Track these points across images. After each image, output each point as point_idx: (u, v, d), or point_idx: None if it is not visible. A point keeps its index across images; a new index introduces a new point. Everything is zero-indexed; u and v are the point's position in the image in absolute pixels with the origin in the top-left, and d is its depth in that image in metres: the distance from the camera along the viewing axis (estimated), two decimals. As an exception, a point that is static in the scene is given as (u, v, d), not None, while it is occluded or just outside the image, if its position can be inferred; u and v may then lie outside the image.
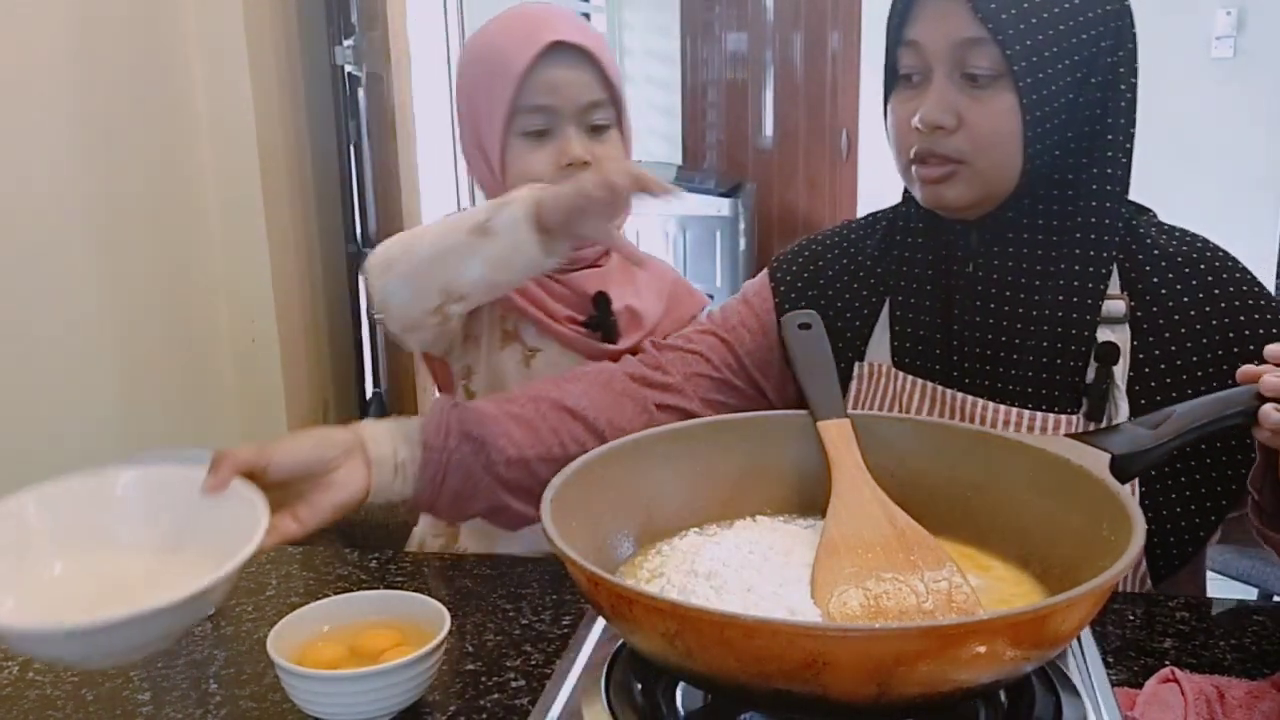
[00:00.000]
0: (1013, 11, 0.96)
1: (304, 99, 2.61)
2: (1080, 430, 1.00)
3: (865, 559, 0.74)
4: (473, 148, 1.18)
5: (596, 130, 1.13)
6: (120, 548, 0.81)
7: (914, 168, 1.04)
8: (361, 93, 2.66)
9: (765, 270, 1.22)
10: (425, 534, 1.32)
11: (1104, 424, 1.01)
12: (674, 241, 4.59)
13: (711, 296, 1.72)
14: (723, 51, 4.99)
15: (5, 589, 0.76)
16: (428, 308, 1.05)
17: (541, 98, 1.10)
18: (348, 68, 2.70)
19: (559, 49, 1.09)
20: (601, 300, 1.20)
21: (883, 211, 1.18)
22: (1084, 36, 0.99)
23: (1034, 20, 0.97)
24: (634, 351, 1.18)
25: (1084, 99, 1.00)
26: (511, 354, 1.21)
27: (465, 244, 1.00)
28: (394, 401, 2.82)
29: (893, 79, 1.06)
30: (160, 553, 0.81)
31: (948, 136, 1.00)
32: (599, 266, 1.23)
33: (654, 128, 5.27)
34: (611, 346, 1.20)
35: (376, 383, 2.92)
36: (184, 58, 2.30)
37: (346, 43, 2.67)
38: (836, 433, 0.84)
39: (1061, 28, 0.97)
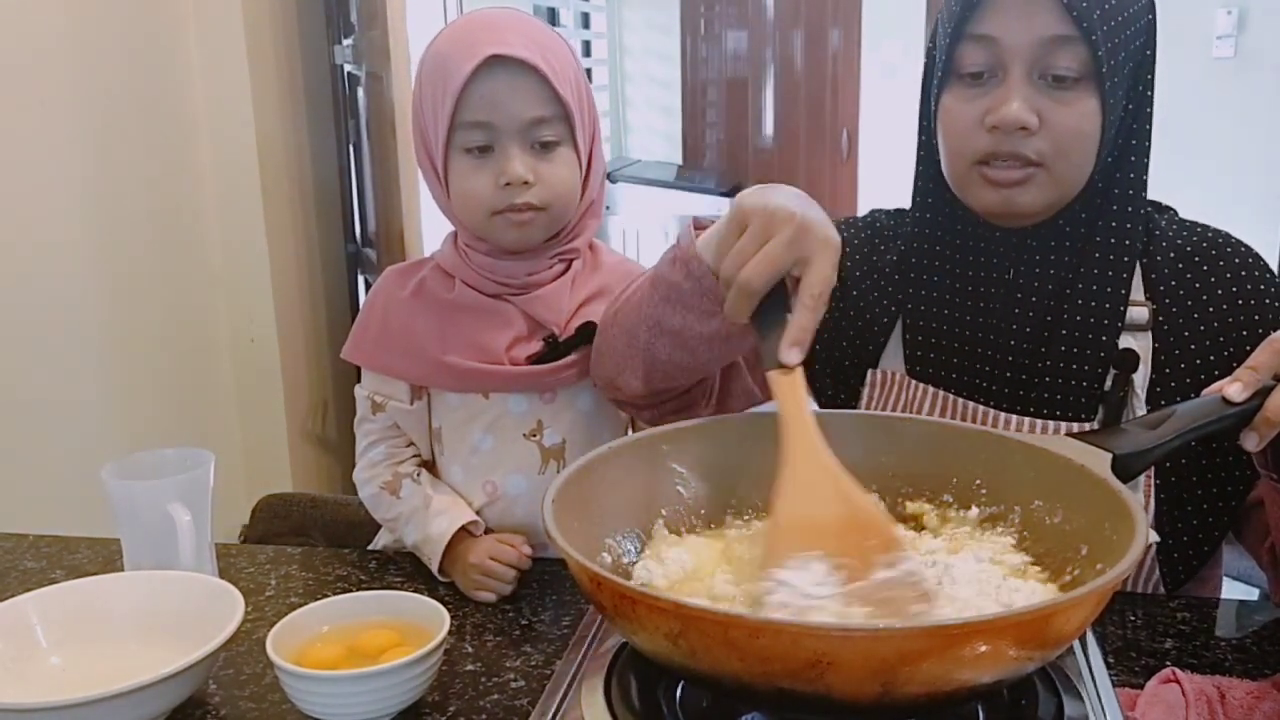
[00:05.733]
0: (1100, 11, 0.93)
1: (303, 98, 2.61)
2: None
3: (815, 542, 0.69)
4: (425, 163, 1.15)
5: (545, 147, 1.08)
6: (114, 641, 0.91)
7: (980, 170, 0.99)
8: (361, 92, 2.65)
9: None
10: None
11: None
12: (674, 241, 4.56)
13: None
14: (722, 50, 4.97)
15: (9, 679, 0.86)
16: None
17: (480, 113, 1.05)
18: (347, 67, 2.70)
19: (501, 62, 1.04)
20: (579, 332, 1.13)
21: (905, 214, 1.14)
22: (1141, 40, 0.97)
23: (1115, 20, 0.94)
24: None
25: (1132, 104, 0.99)
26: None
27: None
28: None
29: (946, 76, 1.00)
30: (150, 644, 0.90)
31: (1029, 138, 0.95)
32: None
33: (654, 127, 5.27)
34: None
35: (376, 382, 2.91)
36: (183, 57, 2.30)
37: (346, 42, 2.67)
38: (788, 387, 0.77)
39: (1130, 31, 0.95)
